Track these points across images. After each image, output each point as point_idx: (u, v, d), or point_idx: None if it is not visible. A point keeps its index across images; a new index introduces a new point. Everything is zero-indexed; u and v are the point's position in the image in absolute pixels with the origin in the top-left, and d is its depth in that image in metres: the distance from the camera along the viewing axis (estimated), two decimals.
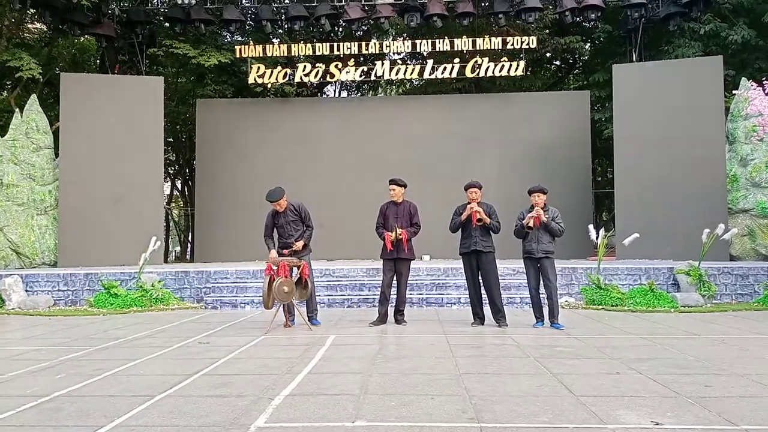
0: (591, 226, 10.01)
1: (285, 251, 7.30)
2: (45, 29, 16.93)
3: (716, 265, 10.08)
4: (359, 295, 9.72)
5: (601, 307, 8.98)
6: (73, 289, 10.34)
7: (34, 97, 13.05)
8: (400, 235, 7.21)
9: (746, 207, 11.85)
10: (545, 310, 7.30)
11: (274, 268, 7.00)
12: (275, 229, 7.42)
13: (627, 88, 12.77)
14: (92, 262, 11.96)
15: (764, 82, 10.45)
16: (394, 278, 7.47)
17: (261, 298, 8.07)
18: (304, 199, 7.68)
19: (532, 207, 7.15)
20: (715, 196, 11.86)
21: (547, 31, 17.10)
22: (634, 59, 13.71)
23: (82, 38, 16.76)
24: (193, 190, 17.86)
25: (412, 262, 7.58)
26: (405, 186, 7.54)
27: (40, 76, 14.49)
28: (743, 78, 12.26)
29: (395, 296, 7.57)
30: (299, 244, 7.26)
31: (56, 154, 12.83)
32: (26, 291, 10.22)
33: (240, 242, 13.89)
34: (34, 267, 12.07)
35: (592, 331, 6.88)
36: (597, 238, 9.69)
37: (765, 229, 11.61)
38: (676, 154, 12.19)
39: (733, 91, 12.07)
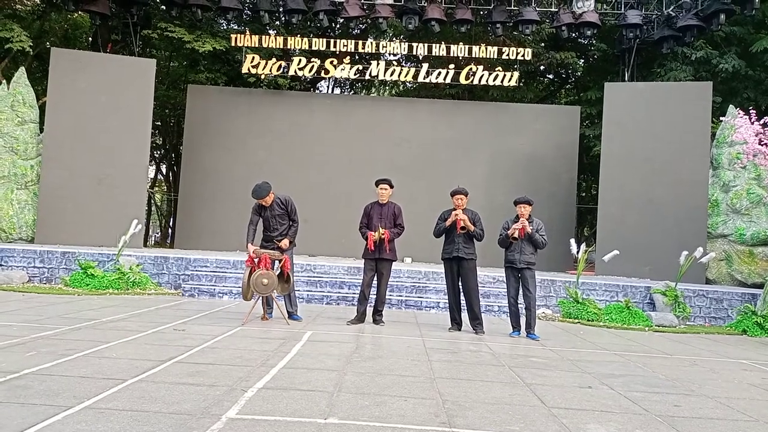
0: (572, 240, 10.11)
1: (269, 244, 7.27)
2: (38, 2, 16.67)
3: (692, 287, 10.22)
4: (339, 292, 9.71)
5: (577, 320, 9.07)
6: (49, 267, 10.19)
7: (22, 69, 12.85)
8: (383, 235, 7.22)
9: (725, 232, 12.03)
10: (522, 320, 7.36)
11: (256, 259, 6.97)
12: (260, 221, 7.38)
13: (617, 107, 12.91)
14: (70, 240, 11.79)
15: (751, 111, 10.62)
16: (375, 278, 7.48)
17: (240, 288, 8.02)
18: (289, 192, 7.63)
19: (518, 217, 7.20)
20: (696, 219, 12.04)
21: (543, 44, 17.24)
22: (626, 79, 13.88)
23: (76, 14, 16.53)
24: (178, 176, 17.68)
25: (393, 263, 7.59)
26: (393, 187, 7.56)
27: (30, 49, 14.26)
28: (731, 105, 12.46)
29: (375, 296, 7.58)
30: (285, 242, 7.22)
31: (41, 129, 12.65)
32: (0, 265, 10.06)
33: (222, 231, 13.81)
34: (11, 242, 11.88)
35: (567, 344, 6.94)
36: (578, 252, 9.79)
37: (742, 255, 11.82)
38: (661, 176, 12.35)
39: (721, 118, 12.25)
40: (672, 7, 13.20)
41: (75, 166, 12.25)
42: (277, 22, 16.52)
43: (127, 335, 5.78)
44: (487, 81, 13.81)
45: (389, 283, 7.86)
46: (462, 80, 13.90)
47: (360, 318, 7.47)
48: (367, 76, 14.80)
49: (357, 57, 17.01)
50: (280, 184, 7.59)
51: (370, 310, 7.60)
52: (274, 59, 14.29)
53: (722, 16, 12.43)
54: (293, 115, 14.85)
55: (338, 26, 18.53)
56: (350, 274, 10.18)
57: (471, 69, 13.78)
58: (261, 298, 7.22)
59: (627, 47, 13.95)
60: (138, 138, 12.74)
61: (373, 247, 7.27)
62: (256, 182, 7.27)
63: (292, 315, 7.44)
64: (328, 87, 22.26)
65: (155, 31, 15.26)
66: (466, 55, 13.85)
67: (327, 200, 14.02)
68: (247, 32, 14.48)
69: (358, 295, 7.76)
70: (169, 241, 20.85)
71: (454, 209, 7.23)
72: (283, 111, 14.89)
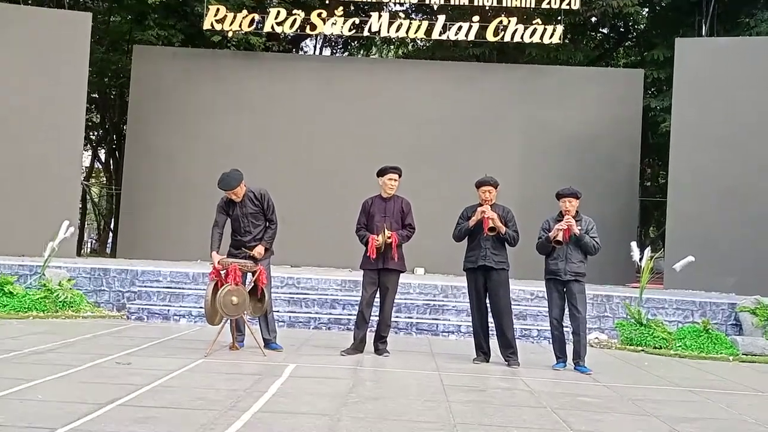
0: (634, 244, 10.10)
1: (239, 252, 7.28)
2: None
3: None
4: (330, 314, 9.73)
5: (640, 348, 9.07)
6: None
7: None
8: (388, 238, 7.21)
9: None
10: (569, 348, 7.36)
11: (223, 272, 6.99)
12: (228, 221, 7.39)
13: (693, 70, 12.88)
14: None
15: None
16: (377, 295, 7.49)
17: (203, 309, 8.05)
18: (265, 183, 7.66)
19: (561, 215, 7.20)
20: None
21: None
22: (703, 33, 13.85)
23: None
24: (121, 164, 17.76)
25: (401, 275, 7.60)
26: (401, 176, 7.56)
27: None
28: None
29: (377, 318, 7.59)
30: (260, 250, 7.22)
31: None
32: None
33: (179, 236, 13.86)
34: None
35: (627, 379, 6.94)
36: (641, 259, 9.78)
37: None
38: (751, 159, 12.31)
39: None
40: None
41: None
42: None
43: (57, 371, 5.80)
44: (522, 38, 13.83)
45: (396, 301, 7.88)
46: (489, 37, 13.91)
47: (358, 346, 7.47)
48: (366, 33, 14.82)
49: (353, 8, 17.03)
50: (252, 174, 7.60)
51: (371, 337, 7.62)
52: (245, 11, 14.33)
53: None
54: (270, 84, 14.89)
55: None
56: (345, 290, 10.21)
57: (501, 23, 13.78)
58: (230, 321, 7.24)
59: None
60: (69, 115, 12.79)
61: (375, 255, 7.28)
62: (223, 171, 7.29)
63: (269, 343, 7.46)
64: (315, 47, 22.29)
65: None
66: (495, 4, 13.85)
67: (313, 193, 14.07)
68: None
69: (355, 318, 7.77)
70: (109, 249, 20.93)
71: (480, 205, 7.24)
72: (258, 78, 14.93)
